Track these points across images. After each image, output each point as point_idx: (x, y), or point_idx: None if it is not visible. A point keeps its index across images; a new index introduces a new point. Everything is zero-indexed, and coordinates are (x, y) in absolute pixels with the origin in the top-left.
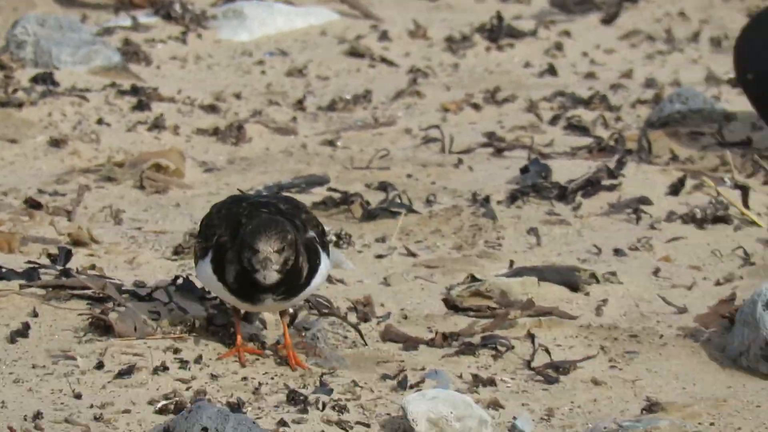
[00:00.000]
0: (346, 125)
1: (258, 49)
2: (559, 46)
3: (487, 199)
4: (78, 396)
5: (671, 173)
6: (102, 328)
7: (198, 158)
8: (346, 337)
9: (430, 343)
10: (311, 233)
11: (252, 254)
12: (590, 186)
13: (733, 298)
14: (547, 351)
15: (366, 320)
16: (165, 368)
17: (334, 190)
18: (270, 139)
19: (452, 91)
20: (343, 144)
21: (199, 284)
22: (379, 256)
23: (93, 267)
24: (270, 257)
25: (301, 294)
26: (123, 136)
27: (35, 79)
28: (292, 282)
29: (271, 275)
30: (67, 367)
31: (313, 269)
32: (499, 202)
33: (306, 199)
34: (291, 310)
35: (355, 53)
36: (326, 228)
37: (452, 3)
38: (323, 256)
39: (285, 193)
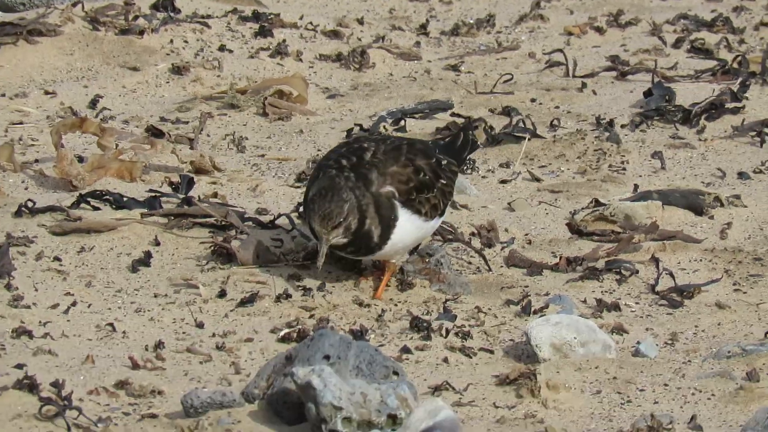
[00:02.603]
0: (469, 50)
1: None
2: None
3: (611, 123)
4: (200, 325)
5: None
6: (224, 256)
7: (321, 84)
8: (470, 263)
9: (554, 268)
10: (388, 188)
11: (312, 226)
12: (714, 109)
13: None
14: (671, 275)
15: (490, 246)
16: (287, 296)
17: (458, 115)
18: (393, 65)
19: (575, 14)
20: (467, 69)
21: None
22: (503, 182)
23: (215, 195)
24: (324, 235)
25: (379, 252)
26: (245, 62)
27: (156, 6)
28: (362, 243)
29: (331, 242)
30: (189, 295)
31: (388, 227)
32: (622, 126)
33: (430, 124)
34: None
35: None
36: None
37: None
38: (403, 212)
39: (408, 119)
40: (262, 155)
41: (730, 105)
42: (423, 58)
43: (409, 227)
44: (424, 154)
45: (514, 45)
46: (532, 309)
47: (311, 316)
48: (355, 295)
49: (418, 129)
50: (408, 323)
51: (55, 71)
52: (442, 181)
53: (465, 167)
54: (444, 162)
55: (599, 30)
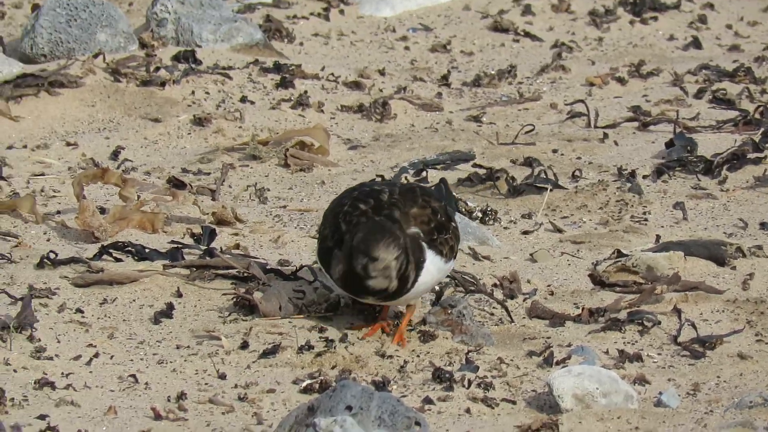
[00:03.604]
0: (491, 100)
1: (401, 24)
2: (702, 19)
3: (632, 174)
4: (222, 376)
5: None
6: (246, 307)
7: (343, 135)
8: (492, 314)
9: (577, 319)
10: (414, 229)
11: (368, 261)
12: (736, 159)
13: None
14: (694, 326)
15: (512, 297)
16: (310, 347)
17: (480, 166)
18: (415, 116)
19: (597, 65)
20: (489, 119)
21: None
22: (525, 232)
23: (237, 246)
24: (389, 265)
25: (406, 295)
26: (267, 113)
27: (177, 58)
28: (399, 286)
29: (379, 283)
30: (211, 347)
31: (418, 269)
32: (644, 177)
33: (452, 175)
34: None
35: (498, 28)
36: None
37: None
38: (429, 253)
39: (430, 170)
40: (284, 206)
41: (751, 155)
42: (444, 109)
43: (432, 269)
44: (434, 197)
45: (535, 96)
46: (555, 360)
47: (333, 367)
48: (377, 347)
49: None
50: (430, 374)
51: (76, 123)
52: (453, 224)
53: None
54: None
55: (621, 80)
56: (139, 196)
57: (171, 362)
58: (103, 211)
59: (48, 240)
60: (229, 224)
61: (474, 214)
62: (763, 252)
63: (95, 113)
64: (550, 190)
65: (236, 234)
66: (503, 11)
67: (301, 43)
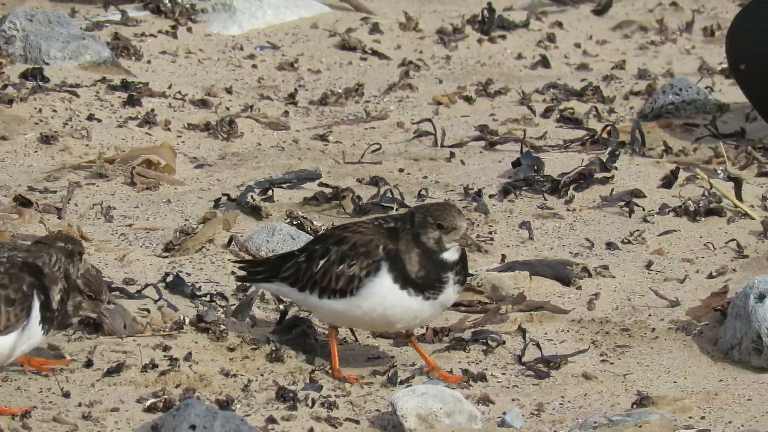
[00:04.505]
0: (338, 119)
1: (248, 42)
2: (551, 38)
3: (479, 193)
4: (66, 395)
5: (664, 165)
6: (91, 326)
7: (189, 154)
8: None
9: (421, 339)
10: None
11: (447, 231)
12: (583, 179)
13: (726, 291)
14: (538, 345)
15: None
16: (154, 366)
17: (326, 185)
18: (261, 134)
19: (444, 83)
20: (335, 138)
21: (194, 282)
22: None
23: None
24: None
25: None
26: (114, 131)
27: (25, 75)
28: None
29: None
30: (55, 364)
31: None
32: (491, 196)
33: (298, 194)
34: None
35: (346, 46)
36: (318, 224)
37: None
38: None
39: (276, 188)
40: (130, 225)
41: (599, 175)
42: (291, 128)
43: None
44: None
45: (382, 114)
46: (399, 379)
47: (177, 386)
48: (221, 366)
49: (287, 199)
50: (274, 393)
51: None
52: None
53: None
54: None
55: (468, 99)
56: None
57: (15, 380)
58: None
59: None
60: None
61: (319, 233)
62: (609, 272)
63: None
64: (396, 210)
65: None
66: (351, 29)
67: (149, 61)
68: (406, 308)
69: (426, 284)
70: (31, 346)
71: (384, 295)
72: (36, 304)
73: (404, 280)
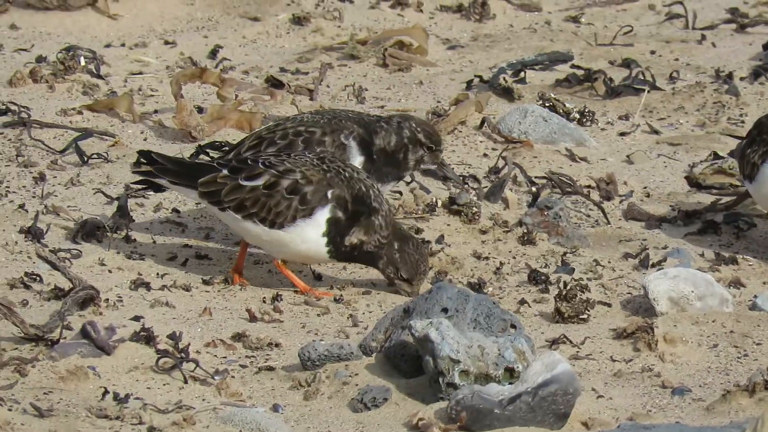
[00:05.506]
0: (590, 1)
1: None
2: None
3: (730, 76)
4: (318, 277)
5: None
6: None
7: (441, 35)
8: (588, 216)
9: (673, 222)
10: None
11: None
12: None
13: None
14: None
15: (609, 198)
16: None
17: (578, 67)
18: (513, 16)
19: None
20: (587, 20)
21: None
22: (622, 134)
23: None
24: None
25: None
26: (366, 13)
27: None
28: None
29: None
30: None
31: None
32: (741, 79)
33: (550, 76)
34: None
35: None
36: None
37: None
38: None
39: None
40: (382, 106)
41: None
42: (543, 10)
43: None
44: None
45: None
46: (650, 262)
47: (430, 269)
48: (473, 248)
49: (539, 80)
50: (526, 276)
51: (175, 21)
52: None
53: None
54: None
55: None
56: (236, 96)
57: (268, 263)
58: (200, 110)
59: (145, 139)
60: None
61: (571, 116)
62: None
63: (194, 11)
64: (648, 92)
65: None
66: None
67: None
68: None
69: None
70: None
71: None
72: None
73: None
